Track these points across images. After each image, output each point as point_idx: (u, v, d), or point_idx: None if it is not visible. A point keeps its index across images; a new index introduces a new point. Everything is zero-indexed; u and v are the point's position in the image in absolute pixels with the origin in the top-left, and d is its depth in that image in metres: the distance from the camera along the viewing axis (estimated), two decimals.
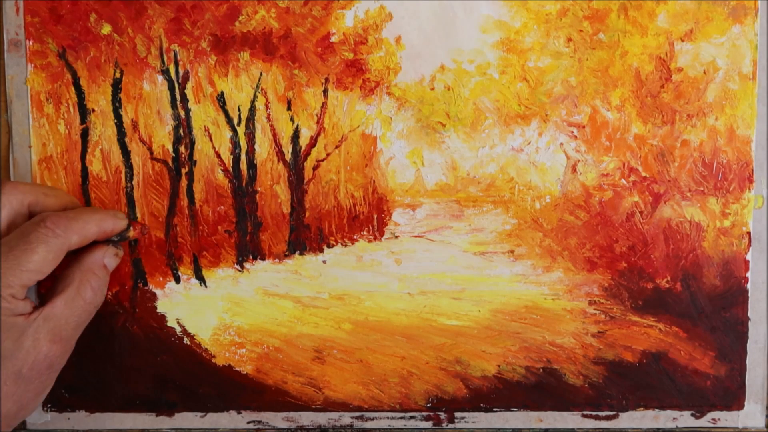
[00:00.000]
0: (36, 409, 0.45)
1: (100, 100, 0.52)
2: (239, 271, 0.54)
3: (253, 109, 0.53)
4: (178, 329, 0.54)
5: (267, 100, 0.53)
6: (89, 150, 0.52)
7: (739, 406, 0.54)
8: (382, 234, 0.54)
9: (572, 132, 0.53)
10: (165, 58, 0.52)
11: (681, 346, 0.53)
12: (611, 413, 0.54)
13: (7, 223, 0.45)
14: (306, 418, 0.54)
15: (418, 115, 0.53)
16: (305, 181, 0.54)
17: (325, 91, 0.53)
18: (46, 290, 0.46)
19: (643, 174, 0.53)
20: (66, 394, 0.53)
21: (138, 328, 0.53)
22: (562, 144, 0.53)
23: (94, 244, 0.47)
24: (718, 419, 0.54)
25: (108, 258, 0.48)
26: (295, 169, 0.53)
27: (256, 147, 0.53)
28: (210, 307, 0.54)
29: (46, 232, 0.43)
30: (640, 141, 0.52)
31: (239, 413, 0.54)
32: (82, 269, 0.46)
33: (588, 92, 0.52)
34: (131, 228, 0.49)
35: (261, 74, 0.52)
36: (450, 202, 0.54)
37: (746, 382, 0.53)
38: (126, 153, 0.52)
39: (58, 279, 0.46)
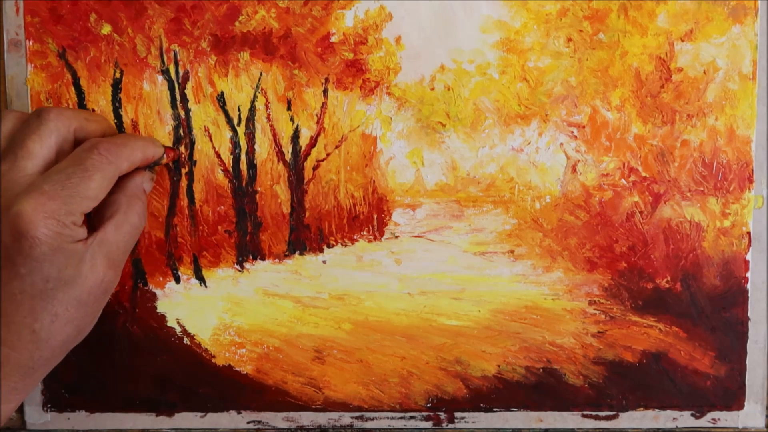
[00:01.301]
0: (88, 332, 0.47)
1: (100, 100, 0.52)
2: (239, 271, 0.54)
3: (253, 109, 0.53)
4: (178, 329, 0.54)
5: (267, 100, 0.53)
6: None
7: (739, 406, 0.54)
8: (382, 234, 0.54)
9: (572, 132, 0.53)
10: (165, 58, 0.52)
11: (681, 346, 0.53)
12: (611, 413, 0.54)
13: (56, 149, 0.45)
14: (306, 418, 0.54)
15: (418, 115, 0.53)
16: (305, 181, 0.54)
17: (325, 91, 0.53)
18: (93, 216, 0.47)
19: (643, 174, 0.53)
20: (66, 394, 0.53)
21: (138, 328, 0.53)
22: (562, 144, 0.53)
23: (134, 170, 0.48)
24: (718, 419, 0.54)
25: (146, 183, 0.49)
26: (295, 169, 0.53)
27: (256, 147, 0.53)
28: (210, 307, 0.54)
29: (101, 159, 0.44)
30: (640, 141, 0.53)
31: (239, 413, 0.54)
32: (127, 194, 0.47)
33: (588, 92, 0.52)
34: (165, 154, 0.50)
35: (261, 74, 0.52)
36: (450, 202, 0.54)
37: (746, 382, 0.53)
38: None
39: (104, 205, 0.46)
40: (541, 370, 0.54)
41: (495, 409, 0.54)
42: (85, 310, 0.44)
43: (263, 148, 0.53)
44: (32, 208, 0.41)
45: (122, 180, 0.47)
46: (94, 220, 0.46)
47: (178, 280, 0.54)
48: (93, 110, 0.51)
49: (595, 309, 0.54)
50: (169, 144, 0.52)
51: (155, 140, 0.50)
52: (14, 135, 0.45)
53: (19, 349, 0.43)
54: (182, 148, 0.52)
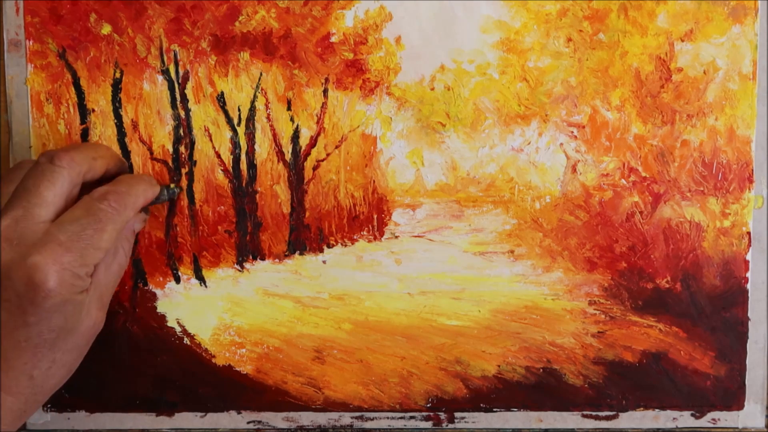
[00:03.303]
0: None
1: (100, 100, 0.52)
2: (239, 271, 0.54)
3: (253, 109, 0.53)
4: (178, 329, 0.54)
5: (267, 100, 0.53)
6: None
7: (739, 406, 0.54)
8: (382, 234, 0.54)
9: (572, 132, 0.53)
10: (165, 58, 0.52)
11: (681, 346, 0.53)
12: (611, 413, 0.54)
13: (67, 195, 0.44)
14: (306, 418, 0.54)
15: (418, 115, 0.53)
16: (305, 181, 0.54)
17: (325, 91, 0.53)
18: None
19: (643, 174, 0.53)
20: (66, 394, 0.53)
21: (138, 328, 0.53)
22: (562, 144, 0.53)
23: None
24: (718, 419, 0.54)
25: (138, 224, 0.49)
26: (295, 169, 0.53)
27: (256, 147, 0.53)
28: (210, 307, 0.54)
29: (112, 211, 0.44)
30: (640, 141, 0.53)
31: (239, 413, 0.54)
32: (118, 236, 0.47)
33: (588, 92, 0.52)
34: (164, 192, 0.50)
35: (261, 74, 0.52)
36: (450, 202, 0.54)
37: (746, 382, 0.53)
38: (126, 153, 0.52)
39: None
40: (541, 370, 0.54)
41: (495, 409, 0.54)
42: (78, 352, 0.45)
43: (263, 148, 0.53)
44: (49, 259, 0.41)
45: None
46: None
47: (178, 280, 0.54)
48: (97, 143, 0.51)
49: (595, 309, 0.54)
50: (167, 179, 0.52)
51: (152, 180, 0.48)
52: (25, 180, 0.44)
53: (16, 393, 0.42)
54: (182, 183, 0.52)
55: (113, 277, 0.47)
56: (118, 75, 0.52)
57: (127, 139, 0.52)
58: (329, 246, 0.54)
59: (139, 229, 0.50)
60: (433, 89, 0.53)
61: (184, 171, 0.53)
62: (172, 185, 0.52)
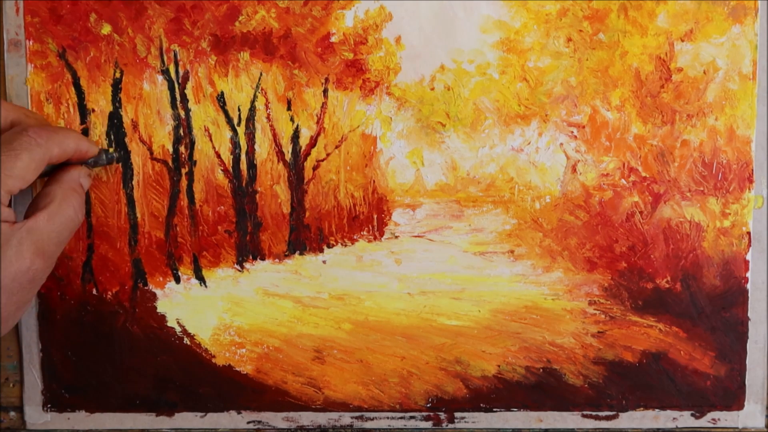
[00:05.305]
0: (14, 325, 0.47)
1: (100, 100, 0.52)
2: (239, 271, 0.54)
3: (253, 109, 0.53)
4: (178, 329, 0.54)
5: (267, 100, 0.53)
6: None
7: (739, 406, 0.54)
8: (382, 234, 0.54)
9: (572, 132, 0.53)
10: (165, 58, 0.52)
11: (681, 346, 0.53)
12: (611, 413, 0.54)
13: None
14: (306, 418, 0.54)
15: (418, 115, 0.53)
16: (305, 181, 0.54)
17: (325, 91, 0.53)
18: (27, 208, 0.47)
19: (643, 174, 0.53)
20: (66, 394, 0.53)
21: (138, 328, 0.53)
22: (562, 144, 0.53)
23: (71, 165, 0.48)
24: (718, 419, 0.54)
25: (83, 178, 0.49)
26: (295, 169, 0.53)
27: (256, 147, 0.53)
28: (210, 307, 0.54)
29: (29, 141, 0.44)
30: (640, 141, 0.53)
31: (239, 413, 0.54)
32: (62, 187, 0.47)
33: (588, 92, 0.52)
34: (103, 155, 0.50)
35: (261, 74, 0.52)
36: (450, 202, 0.54)
37: (746, 382, 0.53)
38: (126, 153, 0.52)
39: (39, 196, 0.46)
40: (541, 370, 0.54)
41: (495, 409, 0.54)
42: (8, 297, 0.44)
43: (263, 148, 0.53)
44: None
45: (59, 172, 0.48)
46: (29, 211, 0.46)
47: (178, 280, 0.54)
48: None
49: (595, 309, 0.54)
50: (110, 146, 0.52)
51: (91, 140, 0.51)
52: None
53: None
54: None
55: (57, 228, 0.45)
56: (118, 75, 0.52)
57: (127, 139, 0.52)
58: (329, 246, 0.54)
59: (86, 184, 0.49)
60: (433, 89, 0.53)
61: (184, 171, 0.53)
62: (111, 150, 0.52)
